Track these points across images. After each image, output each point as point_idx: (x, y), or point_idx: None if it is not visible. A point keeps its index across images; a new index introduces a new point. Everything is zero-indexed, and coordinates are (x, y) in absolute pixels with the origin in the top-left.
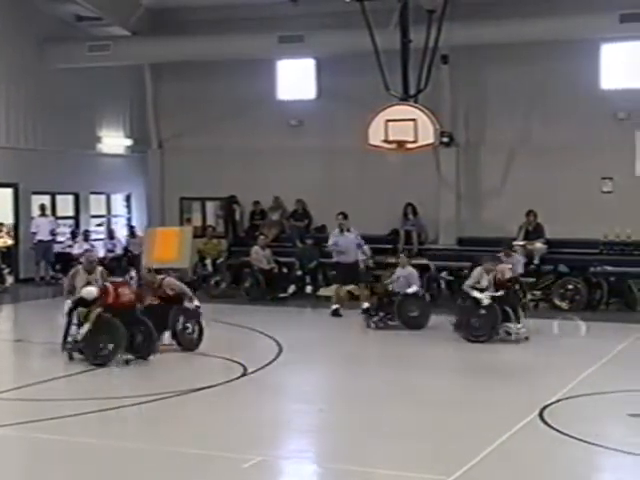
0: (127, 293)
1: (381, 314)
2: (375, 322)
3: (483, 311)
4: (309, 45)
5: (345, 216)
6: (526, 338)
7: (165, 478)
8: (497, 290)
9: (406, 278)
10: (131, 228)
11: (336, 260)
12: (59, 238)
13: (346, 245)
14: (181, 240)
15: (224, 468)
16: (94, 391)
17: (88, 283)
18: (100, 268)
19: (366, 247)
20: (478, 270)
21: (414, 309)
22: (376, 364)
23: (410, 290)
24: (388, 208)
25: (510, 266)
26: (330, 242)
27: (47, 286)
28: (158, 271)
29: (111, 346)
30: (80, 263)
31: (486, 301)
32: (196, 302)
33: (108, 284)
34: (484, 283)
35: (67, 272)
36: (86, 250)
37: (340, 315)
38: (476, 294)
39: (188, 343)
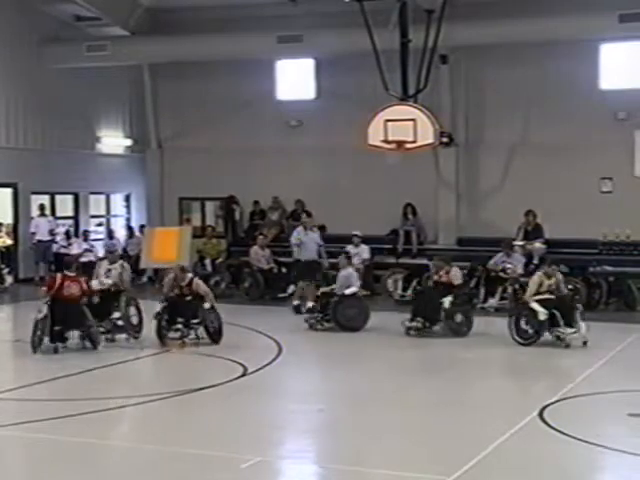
0: (72, 287)
1: (319, 315)
2: (311, 323)
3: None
4: (308, 45)
5: (309, 214)
6: (584, 343)
7: (164, 478)
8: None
9: (347, 279)
10: (130, 228)
11: (297, 257)
12: (57, 238)
13: (309, 243)
14: (180, 240)
15: (223, 468)
16: (93, 391)
17: (108, 270)
18: (121, 260)
19: (322, 249)
20: (537, 276)
21: (351, 310)
22: (373, 365)
23: (348, 291)
24: (387, 208)
25: (457, 273)
26: (293, 239)
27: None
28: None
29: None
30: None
31: (543, 316)
32: (212, 304)
33: (57, 276)
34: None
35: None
36: (85, 250)
37: (301, 312)
38: (535, 306)
39: (217, 337)
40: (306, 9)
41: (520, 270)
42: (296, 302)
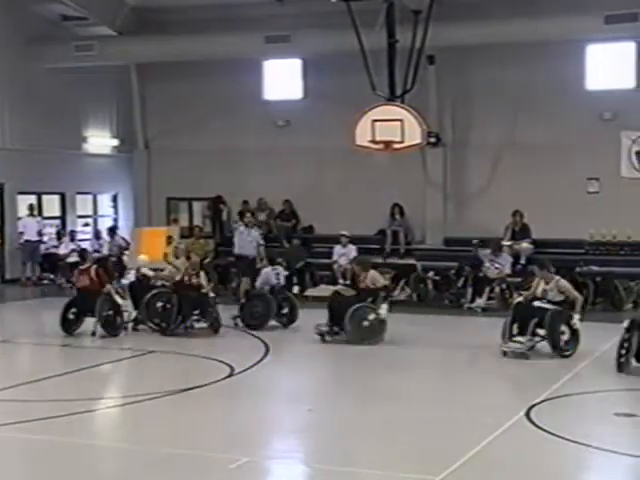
0: (83, 279)
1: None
2: (236, 322)
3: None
4: (295, 45)
5: (253, 214)
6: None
7: (152, 479)
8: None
9: (266, 276)
10: (112, 229)
11: (238, 253)
12: (45, 238)
13: (248, 241)
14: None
15: (210, 469)
16: (81, 392)
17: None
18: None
19: (262, 249)
20: (535, 282)
21: (256, 309)
22: (360, 363)
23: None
24: (375, 208)
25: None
26: (235, 236)
27: (34, 286)
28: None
29: None
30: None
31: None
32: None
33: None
34: (538, 291)
35: (55, 272)
36: (72, 250)
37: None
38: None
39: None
40: (293, 9)
41: (508, 270)
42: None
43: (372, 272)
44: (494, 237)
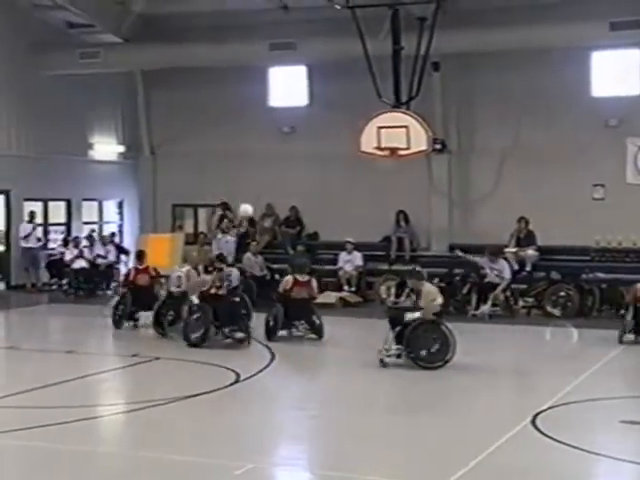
0: (142, 278)
1: None
2: None
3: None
4: (301, 52)
5: (231, 220)
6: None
7: None
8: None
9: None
10: (111, 236)
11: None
12: (51, 245)
13: (225, 247)
14: (172, 246)
15: (215, 475)
16: (85, 398)
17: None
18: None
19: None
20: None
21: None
22: (365, 369)
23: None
24: (380, 215)
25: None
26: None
27: (39, 293)
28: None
29: None
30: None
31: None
32: None
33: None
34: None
35: (61, 279)
36: (76, 257)
37: None
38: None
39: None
40: (298, 16)
41: (507, 275)
42: None
43: (428, 286)
44: (498, 244)
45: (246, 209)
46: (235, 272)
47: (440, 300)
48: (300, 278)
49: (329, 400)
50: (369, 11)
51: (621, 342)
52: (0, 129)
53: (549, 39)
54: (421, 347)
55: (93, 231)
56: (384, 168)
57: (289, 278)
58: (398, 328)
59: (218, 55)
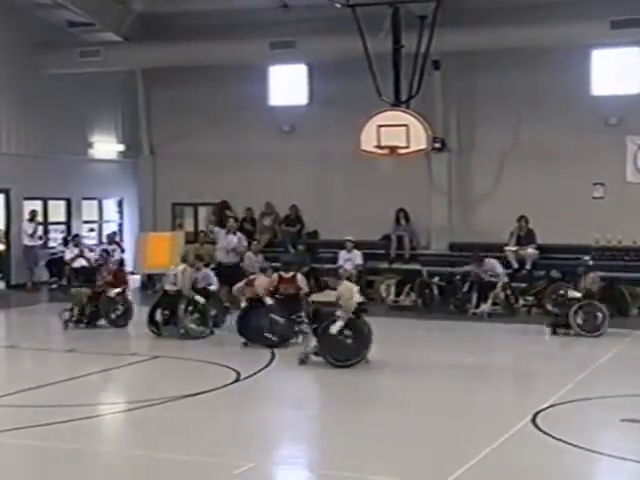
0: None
1: None
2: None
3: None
4: (301, 51)
5: (236, 219)
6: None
7: None
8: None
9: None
10: (112, 235)
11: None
12: (51, 243)
13: (230, 245)
14: (173, 245)
15: (215, 475)
16: (85, 397)
17: None
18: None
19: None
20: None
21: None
22: (365, 368)
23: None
24: (380, 213)
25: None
26: (219, 242)
27: (37, 292)
28: None
29: None
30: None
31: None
32: None
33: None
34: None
35: (61, 277)
36: (77, 255)
37: None
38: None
39: None
40: (298, 15)
41: (500, 270)
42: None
43: (346, 284)
44: (498, 242)
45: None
46: (210, 272)
47: (357, 298)
48: (284, 275)
49: (329, 399)
50: (369, 9)
51: (555, 333)
52: (0, 128)
53: (549, 38)
54: (334, 345)
55: (77, 235)
56: (384, 167)
57: (275, 276)
58: (315, 325)
59: (218, 54)
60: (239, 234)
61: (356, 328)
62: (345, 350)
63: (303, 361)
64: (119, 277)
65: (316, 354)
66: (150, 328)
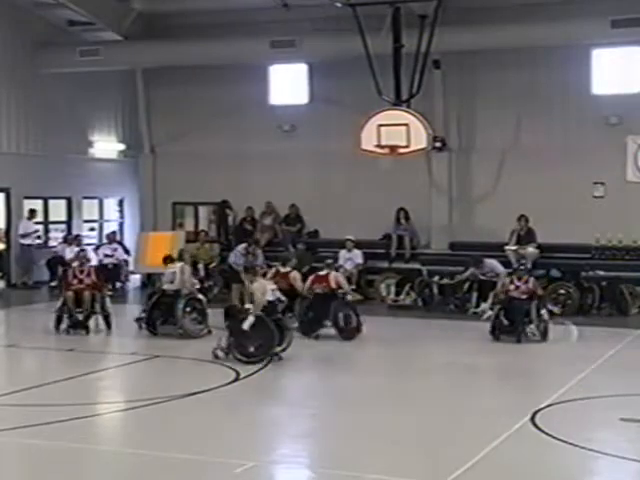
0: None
1: None
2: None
3: None
4: (301, 50)
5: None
6: None
7: None
8: None
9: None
10: (113, 234)
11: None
12: (51, 242)
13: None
14: (173, 245)
15: (216, 473)
16: (85, 396)
17: None
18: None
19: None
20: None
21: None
22: (365, 368)
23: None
24: (380, 213)
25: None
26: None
27: (30, 290)
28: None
29: None
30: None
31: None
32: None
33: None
34: None
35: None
36: (78, 254)
37: None
38: None
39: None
40: (299, 14)
41: (501, 270)
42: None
43: (260, 281)
44: (499, 242)
45: None
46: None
47: (269, 296)
48: (282, 270)
49: (329, 398)
50: (370, 9)
51: (497, 339)
52: (0, 127)
53: (550, 37)
54: (242, 342)
55: (69, 234)
56: (384, 166)
57: (273, 270)
58: (228, 322)
59: (219, 53)
60: (259, 251)
61: (263, 326)
62: (253, 346)
63: (216, 356)
64: (96, 278)
65: (227, 354)
66: (148, 328)
